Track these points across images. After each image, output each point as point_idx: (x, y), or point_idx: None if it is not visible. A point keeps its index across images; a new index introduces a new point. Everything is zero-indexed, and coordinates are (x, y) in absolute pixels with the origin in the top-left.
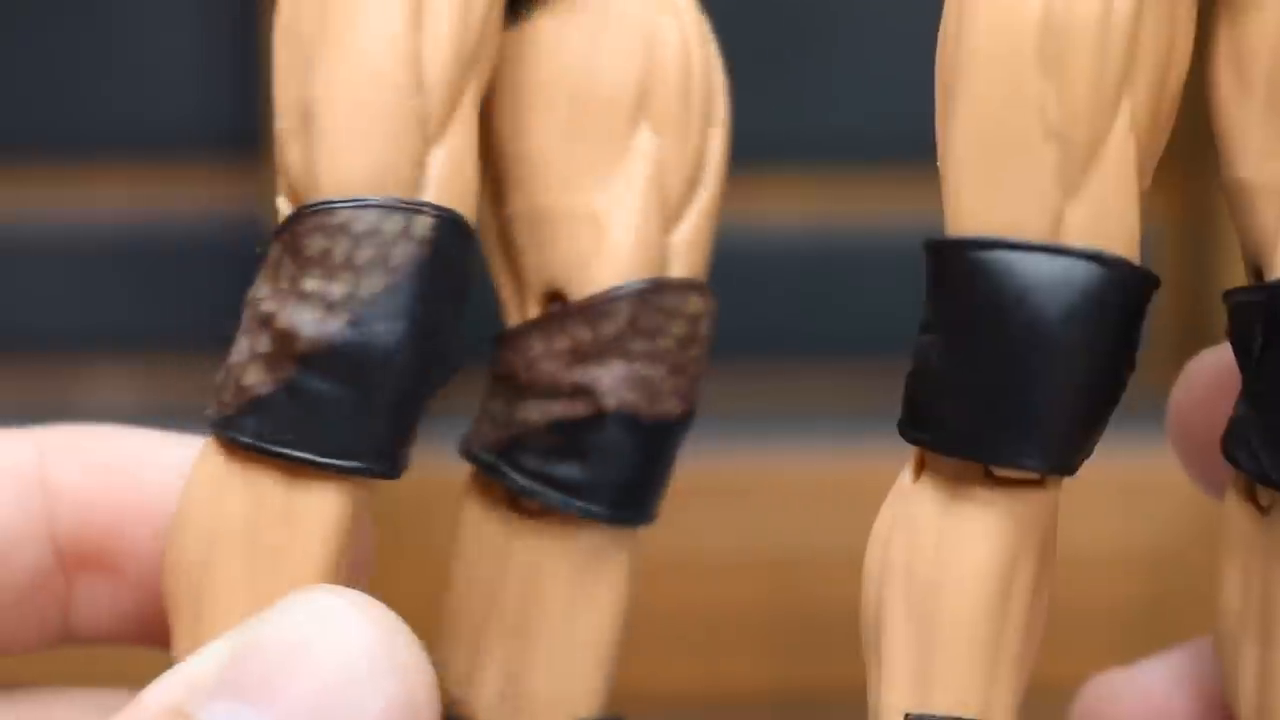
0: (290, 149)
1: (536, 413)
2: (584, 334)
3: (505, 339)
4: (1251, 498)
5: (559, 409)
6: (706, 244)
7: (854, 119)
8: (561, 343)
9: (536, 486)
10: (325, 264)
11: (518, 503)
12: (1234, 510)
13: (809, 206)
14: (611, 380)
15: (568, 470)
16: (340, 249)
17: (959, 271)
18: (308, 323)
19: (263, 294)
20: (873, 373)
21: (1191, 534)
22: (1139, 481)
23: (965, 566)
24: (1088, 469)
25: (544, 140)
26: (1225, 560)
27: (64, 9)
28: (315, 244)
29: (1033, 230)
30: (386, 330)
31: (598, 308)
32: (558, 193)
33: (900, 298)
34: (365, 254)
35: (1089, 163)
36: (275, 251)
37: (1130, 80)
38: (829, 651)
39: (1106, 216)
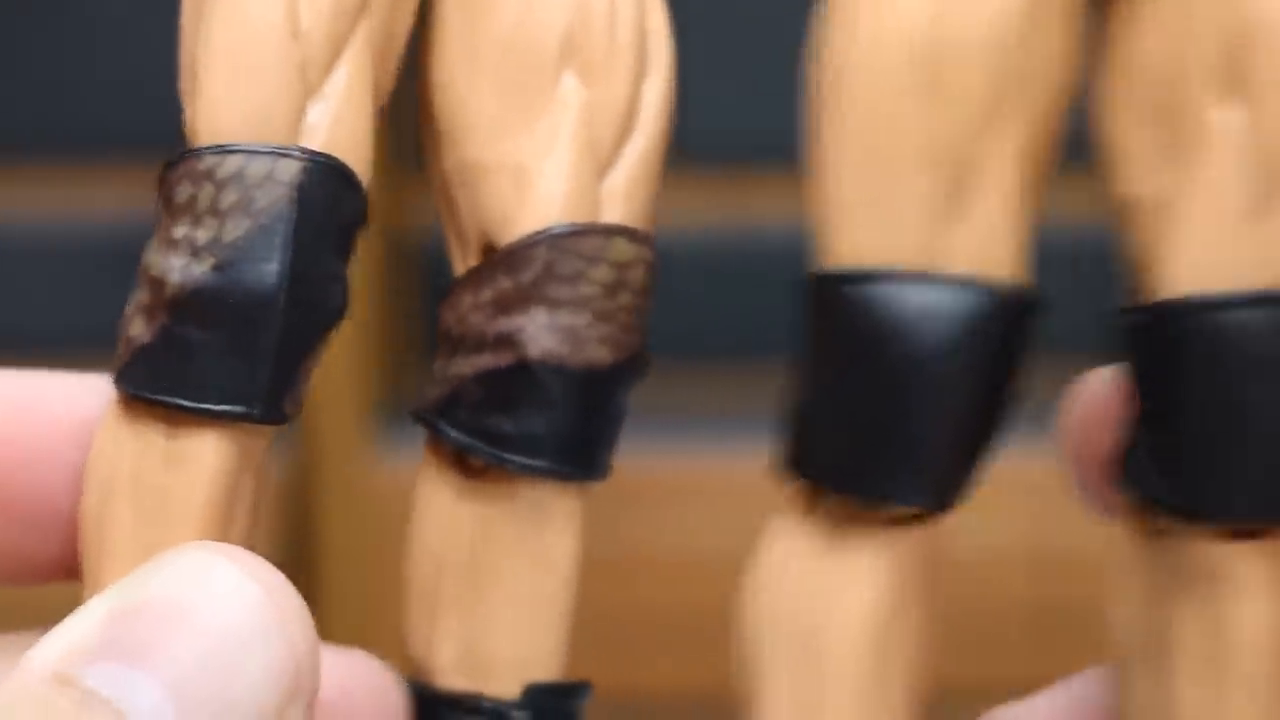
0: (186, 108)
1: (467, 367)
2: (505, 283)
3: (444, 295)
4: (1143, 521)
5: (486, 361)
6: (645, 194)
7: None
8: (486, 293)
9: (473, 442)
10: (192, 210)
11: (465, 463)
12: (1125, 535)
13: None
14: (533, 329)
15: (499, 423)
16: (205, 194)
17: (833, 305)
18: (175, 269)
19: (148, 246)
20: None
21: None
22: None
23: (849, 607)
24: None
25: (473, 93)
26: (1116, 586)
27: (63, 9)
28: (183, 191)
29: (908, 259)
30: (252, 274)
31: (517, 255)
32: (487, 145)
33: None
34: (229, 198)
35: (970, 187)
36: (156, 204)
37: (1013, 100)
38: None
39: (992, 241)
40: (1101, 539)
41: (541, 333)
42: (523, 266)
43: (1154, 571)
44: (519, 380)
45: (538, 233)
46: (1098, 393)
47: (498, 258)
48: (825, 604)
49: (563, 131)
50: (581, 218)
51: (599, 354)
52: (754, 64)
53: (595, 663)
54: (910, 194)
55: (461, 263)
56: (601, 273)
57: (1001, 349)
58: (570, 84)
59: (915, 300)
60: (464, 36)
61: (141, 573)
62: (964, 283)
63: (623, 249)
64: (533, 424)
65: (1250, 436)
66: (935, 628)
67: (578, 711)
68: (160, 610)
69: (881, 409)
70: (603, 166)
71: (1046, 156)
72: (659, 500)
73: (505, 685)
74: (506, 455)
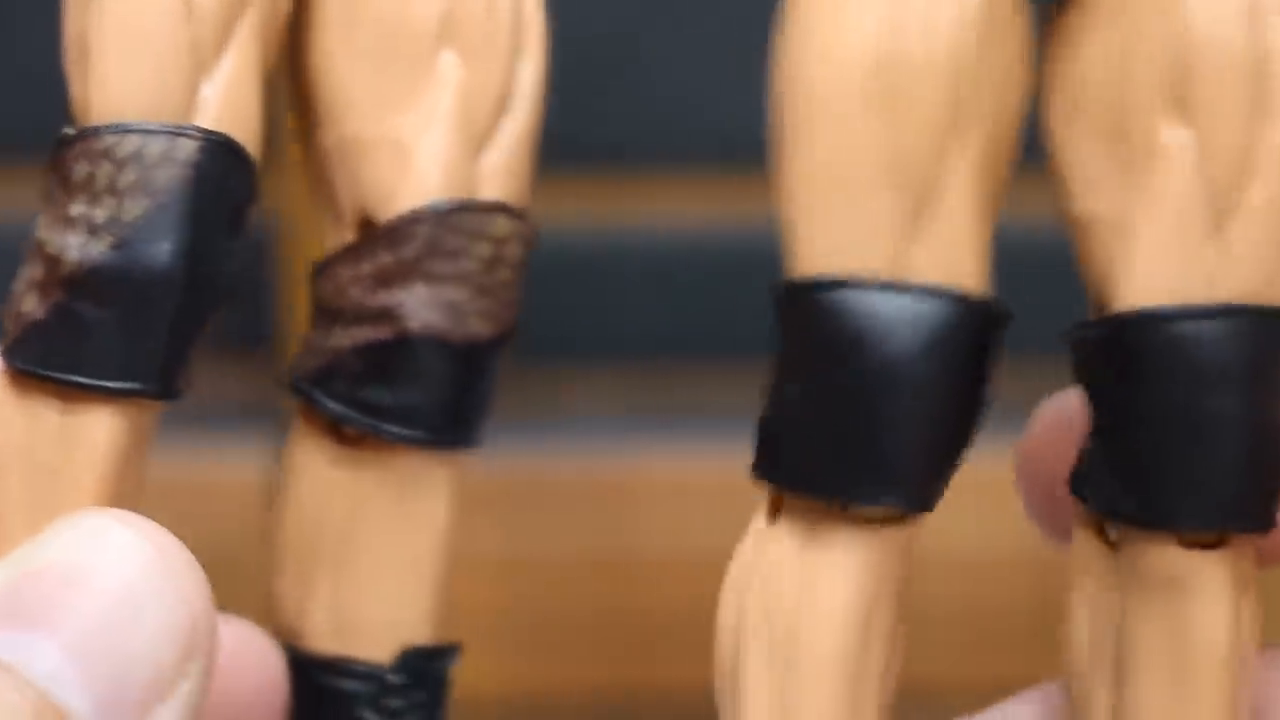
0: (73, 83)
1: (346, 339)
2: (386, 258)
3: (319, 269)
4: (1100, 534)
5: (365, 333)
6: (521, 171)
7: None
8: (366, 267)
9: (350, 412)
10: (89, 189)
11: (339, 431)
12: (1082, 547)
13: None
14: (414, 303)
15: (377, 394)
16: (103, 174)
17: (805, 313)
18: (73, 247)
19: (40, 223)
20: None
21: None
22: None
23: (826, 608)
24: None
25: (351, 70)
26: (1074, 598)
27: (57, 13)
28: (80, 169)
29: (874, 271)
30: (150, 253)
31: (399, 230)
32: (365, 121)
33: None
34: (128, 178)
35: (931, 202)
36: (49, 181)
37: (971, 114)
38: None
39: (954, 254)
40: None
41: (422, 307)
42: (404, 242)
43: (1112, 584)
44: (398, 353)
45: (419, 209)
46: (1053, 421)
47: (378, 233)
48: (804, 605)
49: (441, 109)
50: (459, 194)
51: (478, 328)
52: (745, 62)
53: (595, 663)
54: (873, 209)
55: (336, 237)
56: (481, 248)
57: (970, 356)
58: (449, 62)
59: (885, 307)
60: (343, 15)
61: (37, 540)
62: (933, 291)
63: (502, 225)
64: (411, 395)
65: (1206, 447)
66: (905, 627)
67: (448, 673)
68: (56, 574)
69: (852, 413)
70: (479, 144)
71: (1004, 169)
72: (659, 500)
73: (378, 649)
74: (383, 425)
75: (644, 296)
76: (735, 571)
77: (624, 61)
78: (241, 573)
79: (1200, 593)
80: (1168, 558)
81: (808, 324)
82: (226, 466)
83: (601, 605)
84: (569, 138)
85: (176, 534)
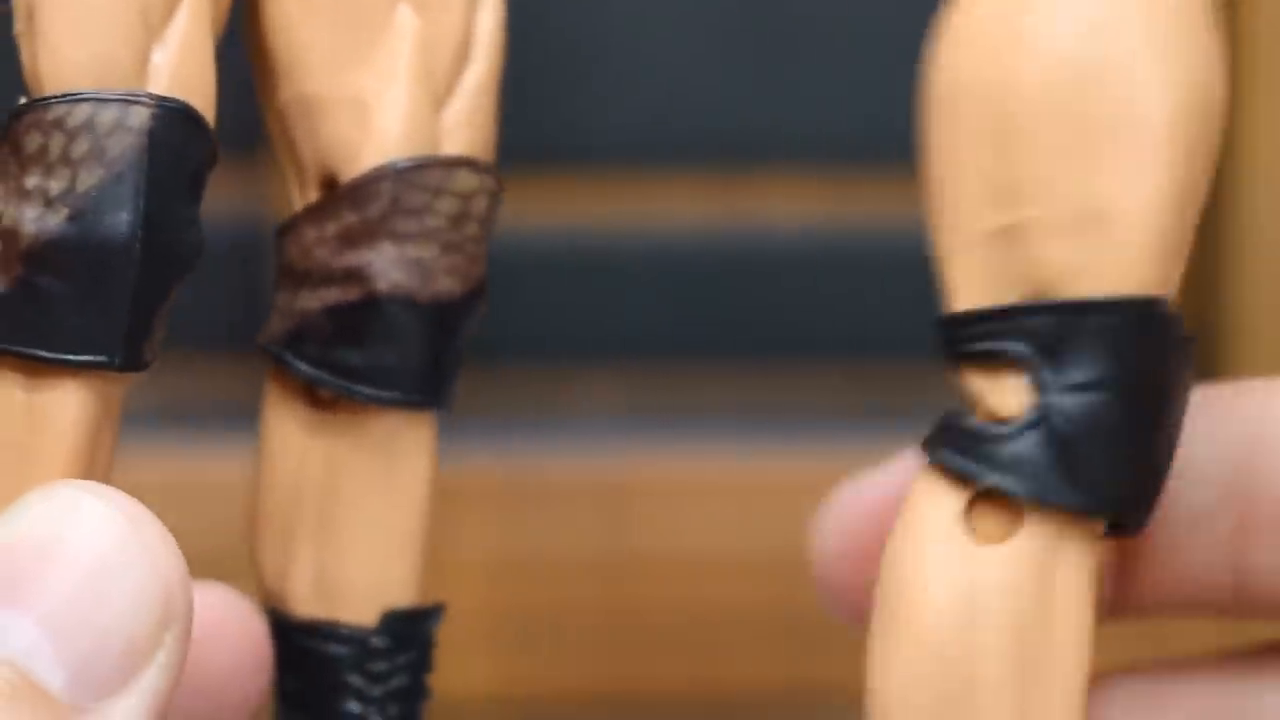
0: (23, 51)
1: (314, 301)
2: (351, 217)
3: (285, 229)
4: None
5: (333, 295)
6: (484, 123)
7: (856, 120)
8: (331, 228)
9: (322, 375)
10: (43, 160)
11: (313, 394)
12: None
13: (811, 207)
14: (382, 263)
15: (348, 356)
16: (56, 144)
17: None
18: (29, 220)
19: None
20: (877, 374)
21: None
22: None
23: (1079, 633)
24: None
25: (308, 27)
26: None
27: None
28: (33, 141)
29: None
30: (107, 223)
31: (362, 189)
32: (324, 79)
33: (902, 300)
34: (81, 148)
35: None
36: (2, 153)
37: None
38: (836, 652)
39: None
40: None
41: (390, 266)
42: (368, 201)
43: None
44: (368, 314)
45: (381, 167)
46: (851, 513)
47: (341, 192)
48: (1054, 625)
49: (400, 63)
50: (422, 150)
51: (447, 285)
52: (745, 62)
53: (594, 663)
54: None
55: (300, 197)
56: (446, 204)
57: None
58: (405, 14)
59: None
60: None
61: (7, 514)
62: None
63: (466, 180)
64: (382, 356)
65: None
66: None
67: (432, 634)
68: (28, 548)
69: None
70: (440, 97)
71: None
72: (659, 500)
73: (361, 612)
74: (356, 387)
75: (644, 296)
76: (942, 586)
77: (624, 60)
78: (240, 572)
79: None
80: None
81: None
82: (224, 466)
83: (600, 605)
84: (569, 137)
85: (174, 534)
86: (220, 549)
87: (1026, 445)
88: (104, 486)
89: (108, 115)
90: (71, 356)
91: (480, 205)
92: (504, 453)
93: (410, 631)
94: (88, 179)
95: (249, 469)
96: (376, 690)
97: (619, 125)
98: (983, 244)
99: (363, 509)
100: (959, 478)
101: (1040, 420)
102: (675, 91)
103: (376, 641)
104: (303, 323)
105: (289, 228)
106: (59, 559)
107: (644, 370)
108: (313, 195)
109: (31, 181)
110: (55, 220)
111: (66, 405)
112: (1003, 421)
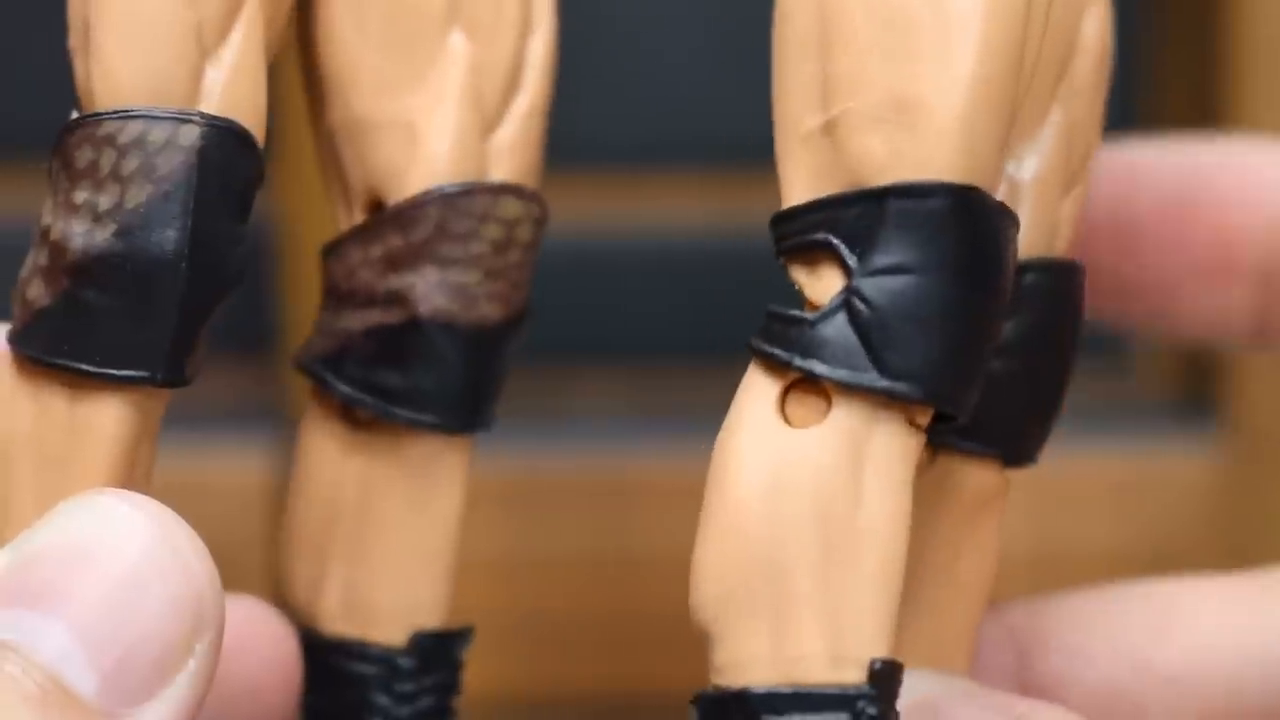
0: (76, 67)
1: (357, 321)
2: (396, 240)
3: (330, 249)
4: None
5: (376, 317)
6: (532, 148)
7: None
8: (376, 250)
9: (361, 395)
10: (93, 175)
11: (351, 414)
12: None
13: None
14: (425, 287)
15: (389, 378)
16: (106, 160)
17: None
18: (77, 234)
19: (44, 209)
20: None
21: (1189, 534)
22: (1133, 480)
23: (889, 514)
24: (1081, 467)
25: (359, 50)
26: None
27: (63, 10)
28: (84, 156)
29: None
30: (155, 240)
31: (408, 213)
32: (374, 101)
33: None
34: (131, 164)
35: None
36: (52, 167)
37: None
38: None
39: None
40: (1102, 539)
41: (433, 291)
42: (414, 225)
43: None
44: (409, 337)
45: (428, 191)
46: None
47: (388, 215)
48: (866, 511)
49: (450, 88)
50: (469, 175)
51: (489, 311)
52: (744, 62)
53: (595, 662)
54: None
55: (346, 218)
56: (492, 231)
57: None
58: (457, 39)
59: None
60: None
61: (41, 522)
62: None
63: (511, 207)
64: (422, 379)
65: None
66: None
67: (461, 656)
68: (61, 554)
69: None
70: (490, 123)
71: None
72: (659, 500)
73: (391, 632)
74: (395, 409)
75: (644, 296)
76: (748, 467)
77: (623, 61)
78: (242, 572)
79: None
80: None
81: None
82: (226, 466)
83: (601, 605)
84: (569, 137)
85: None
86: (220, 550)
87: (833, 329)
88: (139, 495)
89: (159, 133)
90: (114, 371)
91: (524, 232)
92: (503, 452)
93: (438, 653)
94: (137, 195)
95: (250, 470)
96: (403, 710)
97: (619, 125)
98: (808, 142)
99: (396, 530)
100: (774, 366)
101: (844, 304)
102: (675, 92)
103: (404, 662)
104: (345, 342)
105: (334, 248)
106: (93, 566)
107: (644, 370)
108: (359, 217)
109: (80, 196)
110: (103, 235)
111: (107, 418)
112: (818, 310)
